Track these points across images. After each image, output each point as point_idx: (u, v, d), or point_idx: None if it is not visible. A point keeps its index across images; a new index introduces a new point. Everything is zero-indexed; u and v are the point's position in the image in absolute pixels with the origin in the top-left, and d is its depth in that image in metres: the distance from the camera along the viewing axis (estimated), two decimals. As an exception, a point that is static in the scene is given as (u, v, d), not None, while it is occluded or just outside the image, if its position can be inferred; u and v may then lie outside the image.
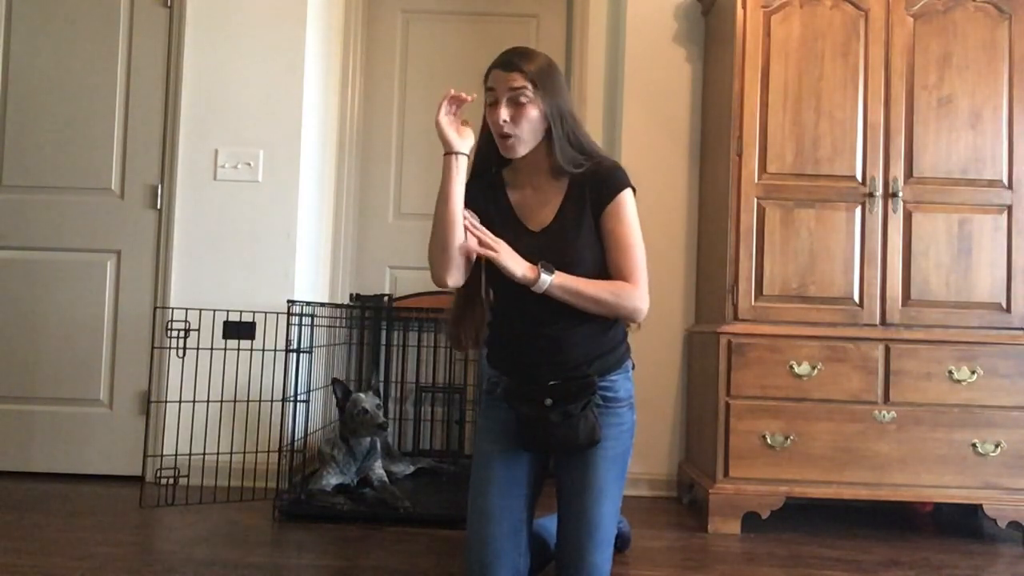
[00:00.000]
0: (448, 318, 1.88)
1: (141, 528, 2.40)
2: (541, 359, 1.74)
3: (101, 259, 3.02)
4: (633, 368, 1.85)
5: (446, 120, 1.75)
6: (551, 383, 1.71)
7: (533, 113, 1.72)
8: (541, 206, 1.80)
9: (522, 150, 1.76)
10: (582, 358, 1.74)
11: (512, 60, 1.73)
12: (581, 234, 1.75)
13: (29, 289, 3.02)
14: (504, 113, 1.71)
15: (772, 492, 2.50)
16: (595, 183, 1.76)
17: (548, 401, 1.70)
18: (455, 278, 1.77)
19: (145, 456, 2.80)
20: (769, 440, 2.51)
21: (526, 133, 1.73)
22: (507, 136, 1.73)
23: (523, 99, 1.71)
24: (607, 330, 1.78)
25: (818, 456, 2.50)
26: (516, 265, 1.69)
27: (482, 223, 1.76)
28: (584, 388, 1.70)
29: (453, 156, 1.75)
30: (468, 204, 1.77)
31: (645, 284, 1.75)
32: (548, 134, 1.75)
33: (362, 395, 2.65)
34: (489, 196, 1.83)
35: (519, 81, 1.71)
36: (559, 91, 1.76)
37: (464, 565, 1.77)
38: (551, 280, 1.68)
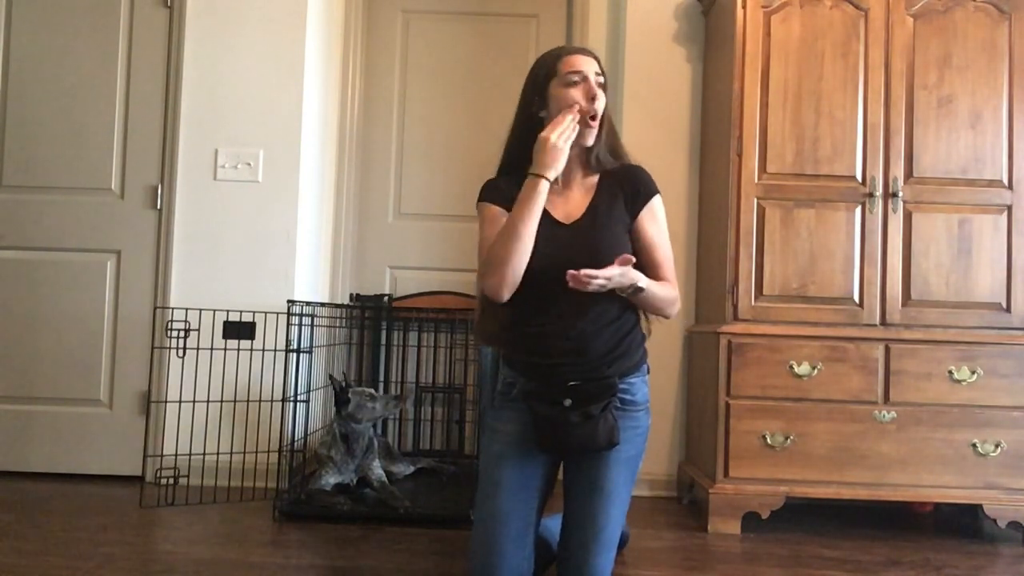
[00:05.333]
0: (478, 318, 1.88)
1: (141, 528, 2.40)
2: (564, 358, 1.73)
3: (101, 259, 3.02)
4: (648, 372, 1.85)
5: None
6: (571, 384, 1.71)
7: (604, 103, 1.78)
8: (569, 201, 1.82)
9: (593, 138, 1.79)
10: (605, 357, 1.74)
11: (590, 50, 1.83)
12: (612, 228, 1.76)
13: (29, 289, 3.01)
14: (598, 91, 1.75)
15: (772, 492, 2.50)
16: (630, 182, 1.80)
17: (568, 402, 1.69)
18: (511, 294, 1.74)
19: (145, 456, 2.80)
20: (769, 440, 2.51)
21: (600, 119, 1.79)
22: (595, 117, 1.75)
23: (601, 86, 1.77)
24: (630, 331, 1.79)
25: (818, 456, 2.50)
26: (629, 282, 1.64)
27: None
28: (605, 389, 1.70)
29: (548, 181, 1.68)
30: (501, 200, 1.78)
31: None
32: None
33: (358, 387, 2.69)
34: (516, 189, 1.78)
35: (599, 68, 1.79)
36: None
37: (467, 565, 1.76)
38: (645, 285, 1.68)
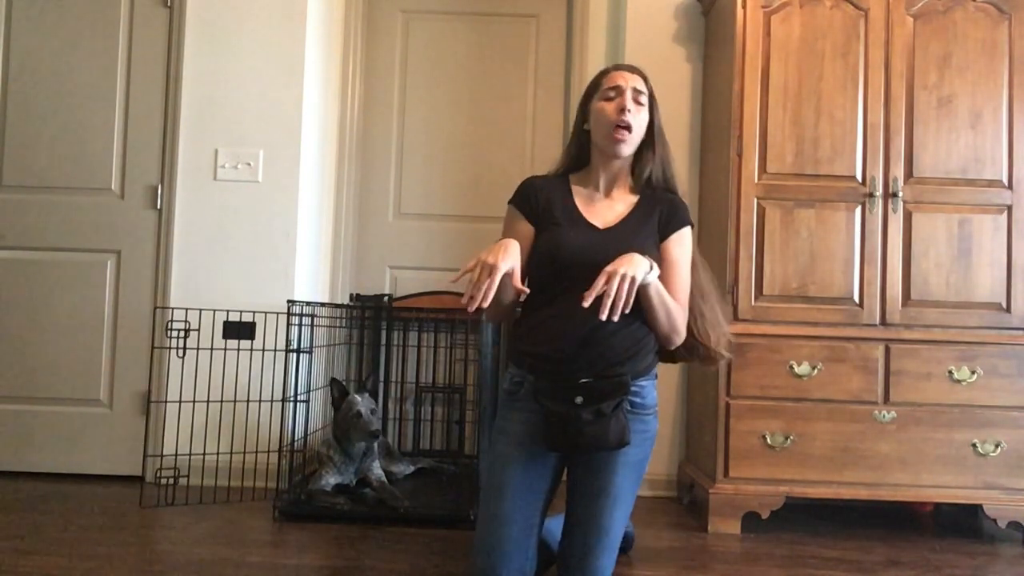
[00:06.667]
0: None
1: (141, 528, 2.40)
2: (580, 352, 1.72)
3: (101, 259, 3.02)
4: (657, 377, 1.85)
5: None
6: (583, 380, 1.70)
7: (646, 118, 1.85)
8: (606, 210, 1.86)
9: (629, 148, 1.84)
10: (619, 355, 1.73)
11: (635, 67, 1.90)
12: (642, 241, 1.78)
13: (29, 289, 3.01)
14: (630, 104, 1.80)
15: (772, 492, 2.50)
16: (668, 207, 1.86)
17: (579, 399, 1.68)
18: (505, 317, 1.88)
19: (145, 456, 2.80)
20: (769, 440, 2.51)
21: (636, 133, 1.83)
22: (626, 127, 1.80)
23: (643, 101, 1.83)
24: (645, 334, 1.78)
25: (818, 456, 2.50)
26: (642, 263, 1.64)
27: (541, 210, 1.81)
28: (617, 387, 1.70)
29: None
30: (528, 209, 1.85)
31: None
32: (641, 148, 1.86)
33: (358, 397, 2.64)
34: (555, 189, 1.89)
35: (643, 85, 1.84)
36: (660, 117, 1.89)
37: (470, 565, 1.76)
38: (656, 277, 1.69)
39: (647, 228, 1.82)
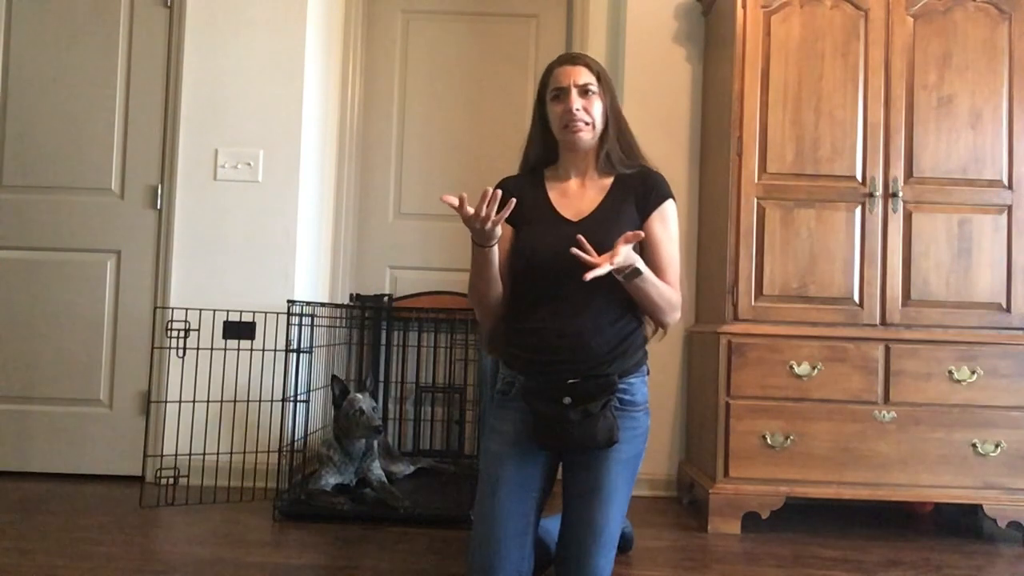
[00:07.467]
0: (484, 333, 1.92)
1: (141, 528, 2.40)
2: (563, 355, 1.73)
3: (101, 259, 3.02)
4: (648, 373, 1.85)
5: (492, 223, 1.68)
6: (571, 381, 1.71)
7: (599, 105, 1.83)
8: (580, 199, 1.85)
9: (590, 136, 1.83)
10: (605, 355, 1.74)
11: (576, 56, 1.88)
12: (620, 226, 1.76)
13: (29, 289, 3.02)
14: (577, 102, 1.80)
15: (772, 492, 2.50)
16: (643, 184, 1.84)
17: (567, 399, 1.69)
18: (500, 315, 1.86)
19: (145, 456, 2.81)
20: (769, 440, 2.51)
21: (595, 122, 1.83)
22: (580, 122, 1.80)
23: (591, 90, 1.82)
24: (631, 332, 1.79)
25: (818, 456, 2.50)
26: (635, 259, 1.66)
27: (515, 210, 1.76)
28: (604, 387, 1.71)
29: (489, 248, 1.73)
30: (507, 193, 1.79)
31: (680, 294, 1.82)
32: (603, 131, 1.85)
33: (360, 395, 2.64)
34: (528, 186, 1.88)
35: (587, 75, 1.82)
36: (614, 92, 1.88)
37: (467, 565, 1.76)
38: (644, 271, 1.68)
39: (624, 213, 1.80)
